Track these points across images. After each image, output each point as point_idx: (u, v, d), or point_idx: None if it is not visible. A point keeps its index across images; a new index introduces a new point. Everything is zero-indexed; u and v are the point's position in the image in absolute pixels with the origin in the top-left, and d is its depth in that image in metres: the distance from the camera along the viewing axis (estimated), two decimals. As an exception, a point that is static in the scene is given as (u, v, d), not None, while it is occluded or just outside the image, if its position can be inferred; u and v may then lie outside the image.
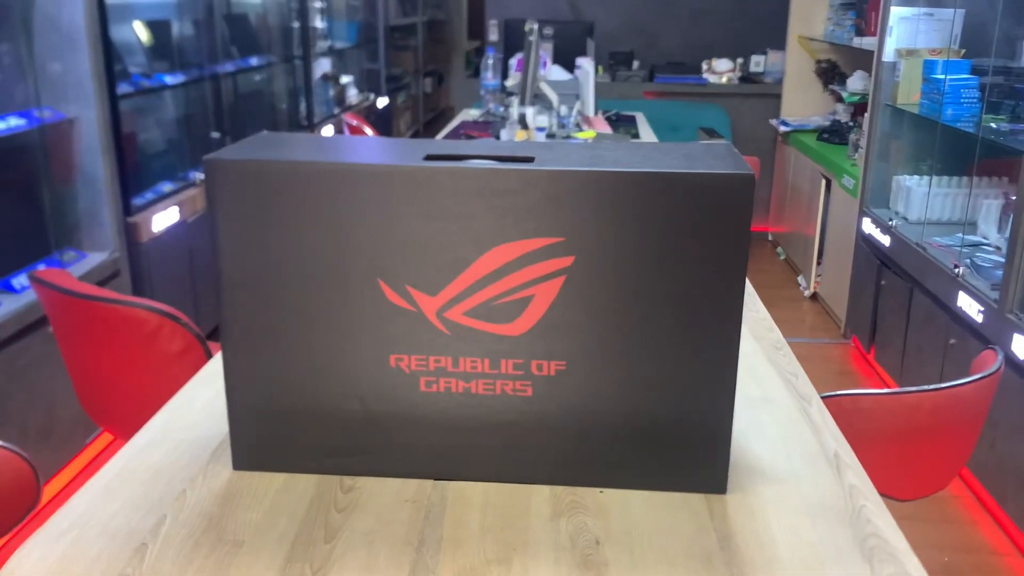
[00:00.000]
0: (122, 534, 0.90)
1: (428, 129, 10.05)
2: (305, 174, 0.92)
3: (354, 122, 4.10)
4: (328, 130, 5.48)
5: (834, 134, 4.67)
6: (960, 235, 3.22)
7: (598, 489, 0.99)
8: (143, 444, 1.09)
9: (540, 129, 3.34)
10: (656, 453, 0.98)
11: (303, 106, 5.20)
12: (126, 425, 1.57)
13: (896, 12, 3.45)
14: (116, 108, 2.89)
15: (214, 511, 0.95)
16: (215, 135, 3.97)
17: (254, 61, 4.40)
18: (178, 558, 0.87)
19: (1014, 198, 3.09)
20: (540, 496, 0.98)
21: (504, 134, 3.28)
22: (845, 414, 1.45)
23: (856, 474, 1.03)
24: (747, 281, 1.75)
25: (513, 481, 1.00)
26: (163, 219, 3.21)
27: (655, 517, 0.94)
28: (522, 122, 3.22)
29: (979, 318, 2.61)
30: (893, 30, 3.46)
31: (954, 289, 2.78)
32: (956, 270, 2.80)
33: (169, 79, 3.45)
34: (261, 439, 1.01)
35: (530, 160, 0.94)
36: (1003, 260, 2.85)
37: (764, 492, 0.99)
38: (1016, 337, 2.40)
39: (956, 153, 3.35)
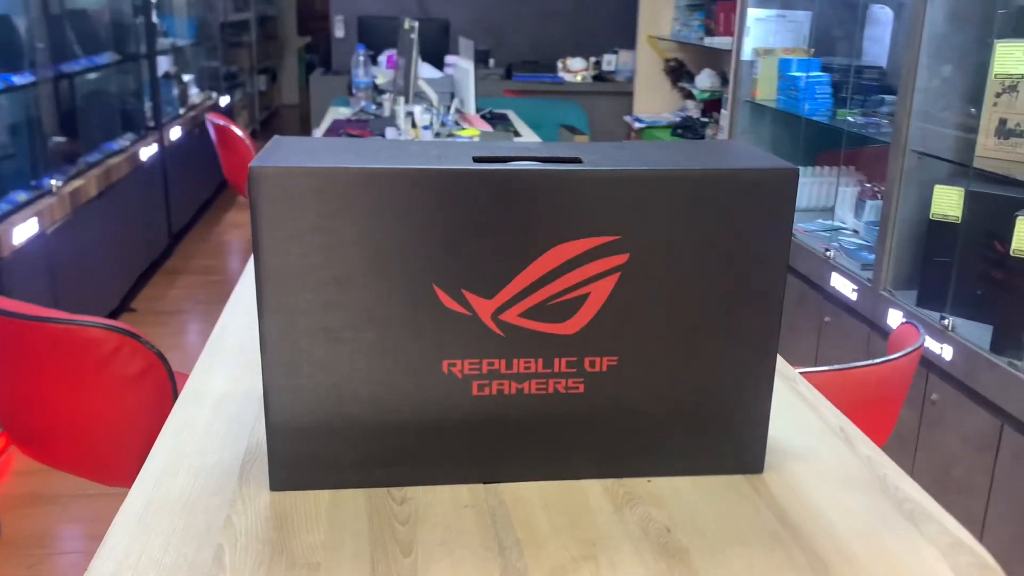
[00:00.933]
0: (183, 569, 0.84)
1: (266, 128, 9.70)
2: (355, 180, 0.89)
3: (220, 122, 3.91)
4: (175, 132, 5.20)
5: (688, 129, 4.92)
6: (820, 221, 3.48)
7: (646, 479, 1.02)
8: (157, 473, 1.01)
9: (425, 128, 3.32)
10: (701, 439, 1.02)
11: (148, 106, 4.91)
12: (72, 455, 1.44)
13: (752, 13, 3.68)
14: (-31, 111, 2.63)
15: (272, 536, 0.90)
16: (58, 139, 3.68)
17: (97, 59, 4.11)
18: (256, 588, 0.82)
19: (868, 185, 3.38)
20: (593, 491, 1.00)
21: (391, 133, 3.24)
22: (797, 392, 1.55)
23: (867, 445, 1.11)
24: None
25: (565, 478, 1.01)
26: (22, 231, 2.95)
27: (710, 501, 0.98)
28: (410, 121, 3.19)
29: (853, 296, 2.84)
30: (751, 30, 3.69)
31: (827, 271, 3.01)
32: (828, 253, 3.03)
33: (17, 79, 3.17)
34: (303, 456, 0.97)
35: (578, 161, 0.95)
36: (864, 243, 3.11)
37: (795, 470, 1.05)
38: (891, 312, 2.63)
39: (813, 145, 3.62)
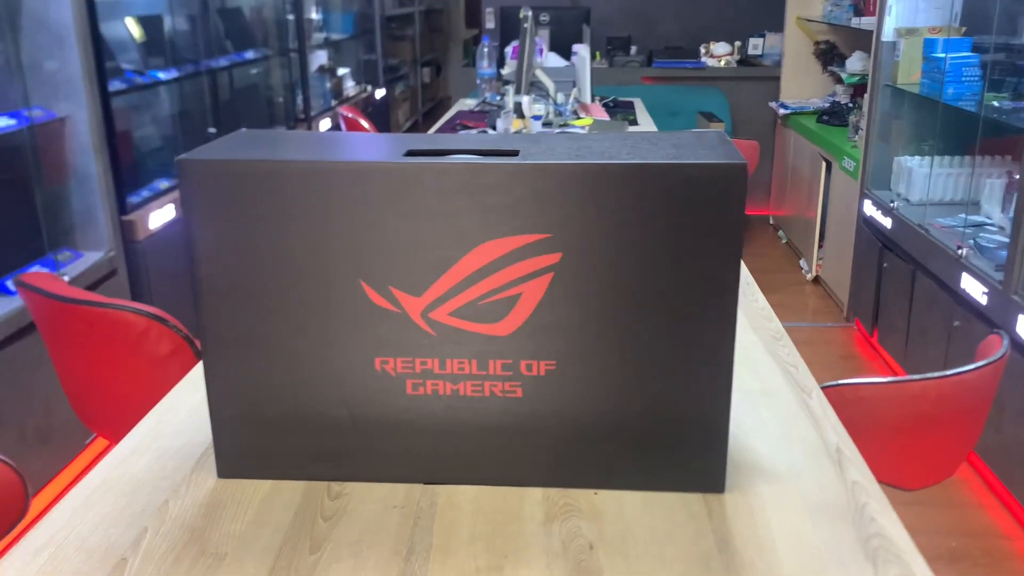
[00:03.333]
0: (101, 550, 0.88)
1: (427, 119, 10.00)
2: (282, 173, 0.89)
3: (350, 115, 4.06)
4: (325, 124, 5.45)
5: (834, 116, 4.62)
6: (963, 216, 3.17)
7: (592, 491, 0.97)
8: (127, 452, 1.06)
9: (536, 117, 3.30)
10: (651, 452, 0.95)
11: (299, 99, 5.16)
12: (119, 430, 1.54)
13: (895, -10, 3.39)
14: (108, 106, 2.86)
15: (197, 523, 0.92)
16: (211, 130, 3.94)
17: (249, 55, 4.36)
18: (158, 573, 0.84)
19: (1017, 177, 3.05)
20: (533, 499, 0.95)
21: (500, 123, 3.24)
22: (847, 404, 1.42)
23: (858, 469, 1.00)
24: (746, 270, 1.71)
25: (505, 484, 0.97)
26: (159, 216, 3.18)
27: (651, 519, 0.92)
28: (518, 111, 3.18)
29: (983, 300, 2.58)
30: (892, 9, 3.41)
31: (958, 271, 2.74)
32: (960, 251, 2.76)
33: (163, 75, 3.41)
34: (245, 446, 0.99)
35: (515, 154, 0.91)
36: (1007, 240, 2.81)
37: (763, 491, 0.96)
38: (1021, 319, 2.36)
39: (958, 132, 3.31)
